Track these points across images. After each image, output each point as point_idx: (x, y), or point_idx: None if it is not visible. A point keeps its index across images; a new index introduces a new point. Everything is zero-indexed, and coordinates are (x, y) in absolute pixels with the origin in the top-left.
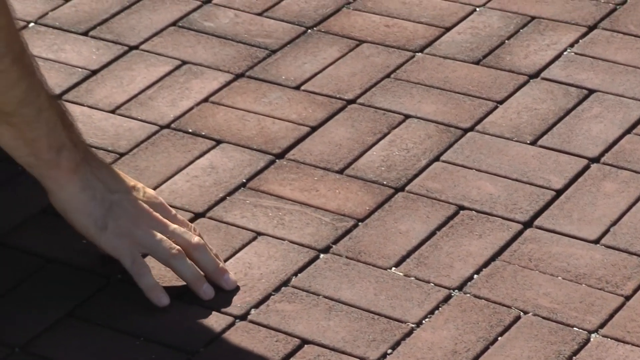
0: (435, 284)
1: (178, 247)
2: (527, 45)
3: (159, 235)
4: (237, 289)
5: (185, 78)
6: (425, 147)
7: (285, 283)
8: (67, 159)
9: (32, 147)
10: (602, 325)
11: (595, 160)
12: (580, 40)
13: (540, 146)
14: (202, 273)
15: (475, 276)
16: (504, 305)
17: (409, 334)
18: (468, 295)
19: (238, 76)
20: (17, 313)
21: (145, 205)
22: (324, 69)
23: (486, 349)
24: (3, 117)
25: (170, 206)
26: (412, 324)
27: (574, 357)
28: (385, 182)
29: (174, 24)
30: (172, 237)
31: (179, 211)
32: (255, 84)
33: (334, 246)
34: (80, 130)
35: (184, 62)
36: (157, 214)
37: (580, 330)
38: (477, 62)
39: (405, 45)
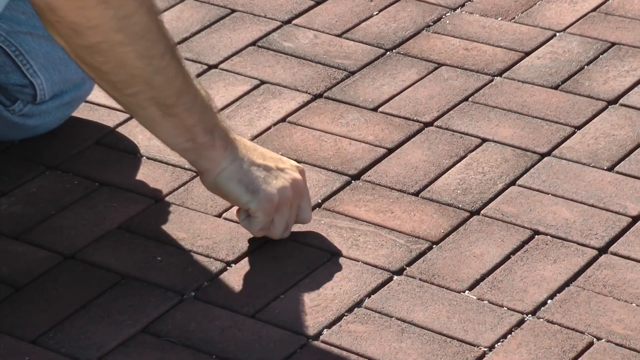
0: (509, 308)
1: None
2: (607, 71)
3: (284, 221)
4: (313, 309)
5: (263, 98)
6: (501, 171)
7: (359, 304)
8: (219, 138)
9: (191, 132)
10: None
11: None
12: None
13: (617, 172)
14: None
15: (549, 301)
16: (577, 330)
17: (481, 357)
18: (541, 320)
19: (316, 97)
20: (91, 328)
21: (289, 177)
22: (402, 91)
23: None
24: (166, 110)
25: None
26: (485, 347)
27: None
28: (460, 205)
29: (253, 43)
30: (289, 224)
31: None
32: (333, 104)
33: (407, 268)
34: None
35: (263, 82)
36: (297, 198)
37: None
38: (556, 87)
39: (484, 69)
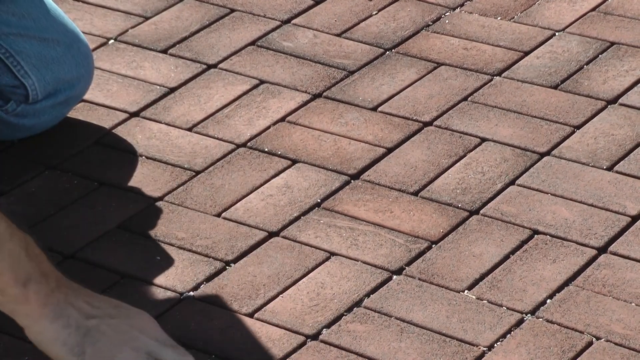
0: (508, 308)
1: None
2: (606, 70)
3: (143, 356)
4: (312, 308)
5: (262, 97)
6: (500, 171)
7: (358, 304)
8: (35, 292)
9: None
10: None
11: None
12: None
13: (617, 172)
14: None
15: (549, 301)
16: (576, 330)
17: (480, 357)
18: (541, 319)
19: (315, 96)
20: None
21: (128, 326)
22: (401, 90)
23: None
24: None
25: (244, 225)
26: (484, 347)
27: None
28: (460, 205)
29: (252, 43)
30: (157, 354)
31: (253, 230)
32: (333, 104)
33: (407, 268)
34: (51, 260)
35: (262, 82)
36: (143, 336)
37: None
38: (555, 87)
39: (483, 69)
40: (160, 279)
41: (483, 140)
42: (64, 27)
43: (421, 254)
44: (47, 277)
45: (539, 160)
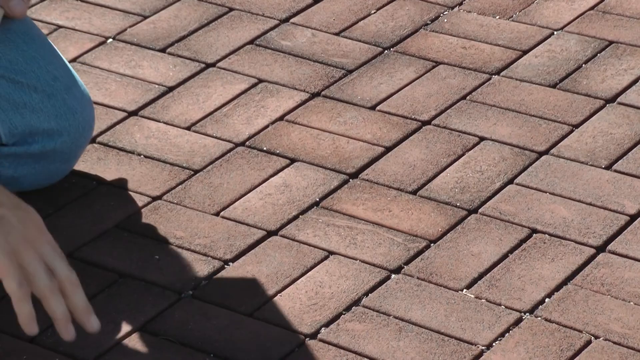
0: (507, 307)
1: (55, 280)
2: (604, 69)
3: (42, 263)
4: (310, 307)
5: (261, 96)
6: (499, 170)
7: (356, 302)
8: None
9: None
10: None
11: None
12: None
13: (615, 171)
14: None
15: (547, 300)
16: (575, 329)
17: (479, 356)
18: (539, 318)
19: (314, 95)
20: None
21: (33, 224)
22: (399, 89)
23: None
24: None
25: (243, 224)
26: (483, 346)
27: None
28: (458, 204)
29: (251, 42)
30: (52, 264)
31: (251, 229)
32: (331, 103)
33: (405, 267)
34: None
35: (261, 80)
36: (42, 237)
37: None
38: (554, 86)
39: (482, 68)
40: (158, 278)
41: (481, 139)
42: (50, 76)
43: (420, 253)
44: None
45: (537, 159)
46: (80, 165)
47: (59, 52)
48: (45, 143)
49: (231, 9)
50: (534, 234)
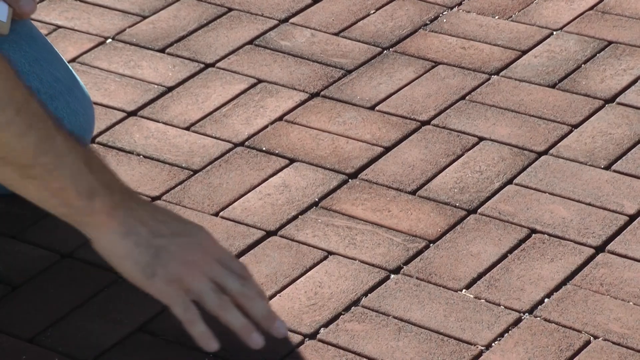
0: (506, 307)
1: (226, 296)
2: (604, 69)
3: (208, 282)
4: (310, 308)
5: (260, 96)
6: (498, 170)
7: (355, 303)
8: (101, 204)
9: (60, 196)
10: None
11: None
12: None
13: (614, 171)
14: (250, 322)
15: (546, 300)
16: (574, 329)
17: (478, 356)
18: (538, 318)
19: (313, 95)
20: (88, 327)
21: (195, 247)
22: (399, 89)
23: None
24: (23, 171)
25: (242, 224)
26: (482, 346)
27: None
28: (457, 204)
29: (250, 42)
30: (220, 282)
31: (251, 229)
32: (330, 103)
33: (404, 267)
34: (116, 173)
35: (260, 81)
36: (206, 257)
37: None
38: (553, 86)
39: (481, 68)
40: None
41: (481, 139)
42: (53, 77)
43: (419, 253)
44: (111, 189)
45: (536, 159)
46: None
47: (59, 53)
48: None
49: (230, 9)
50: (533, 234)
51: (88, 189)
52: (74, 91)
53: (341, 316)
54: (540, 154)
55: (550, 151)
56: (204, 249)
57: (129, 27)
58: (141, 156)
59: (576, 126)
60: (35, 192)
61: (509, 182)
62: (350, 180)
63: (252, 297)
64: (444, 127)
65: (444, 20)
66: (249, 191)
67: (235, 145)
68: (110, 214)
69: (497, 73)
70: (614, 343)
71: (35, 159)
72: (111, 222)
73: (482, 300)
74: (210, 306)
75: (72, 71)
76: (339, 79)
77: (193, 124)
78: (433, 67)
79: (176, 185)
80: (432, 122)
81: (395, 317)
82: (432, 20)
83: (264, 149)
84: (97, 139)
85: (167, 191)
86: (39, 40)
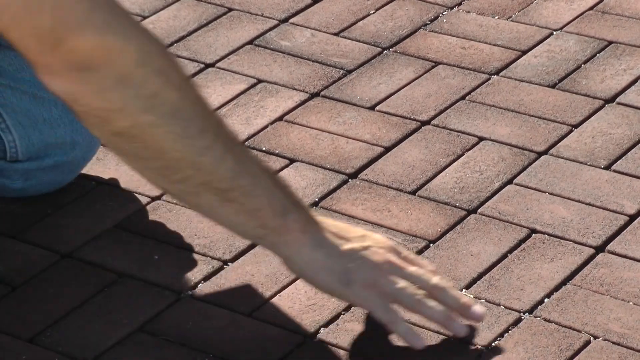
0: (506, 307)
1: (421, 291)
2: (604, 69)
3: (401, 282)
4: (310, 307)
5: (260, 96)
6: (498, 170)
7: None
8: (294, 221)
9: (257, 218)
10: None
11: None
12: None
13: (615, 171)
14: (449, 311)
15: (546, 300)
16: (574, 329)
17: (478, 356)
18: (538, 318)
19: (313, 95)
20: (88, 327)
21: (379, 252)
22: (399, 89)
23: None
24: (223, 195)
25: None
26: (482, 346)
27: None
28: (457, 204)
29: (250, 42)
30: (411, 280)
31: None
32: (330, 103)
33: None
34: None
35: (260, 81)
36: (394, 259)
37: None
38: (553, 86)
39: (481, 68)
40: (157, 278)
41: (481, 139)
42: None
43: (419, 253)
44: (299, 205)
45: (536, 159)
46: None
47: None
48: (58, 157)
49: (230, 9)
50: (533, 234)
51: (281, 207)
52: None
53: (341, 316)
54: (540, 154)
55: (550, 151)
56: (385, 250)
57: None
58: None
59: (576, 126)
60: (233, 216)
61: (509, 182)
62: (350, 180)
63: (444, 288)
64: (444, 127)
65: (444, 20)
66: None
67: None
68: (303, 230)
69: (497, 73)
70: (613, 343)
71: (233, 182)
72: (304, 238)
73: (482, 300)
74: (409, 304)
75: None
76: (339, 79)
77: None
78: (433, 67)
79: None
80: (432, 122)
81: None
82: (432, 20)
83: (264, 149)
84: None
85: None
86: None
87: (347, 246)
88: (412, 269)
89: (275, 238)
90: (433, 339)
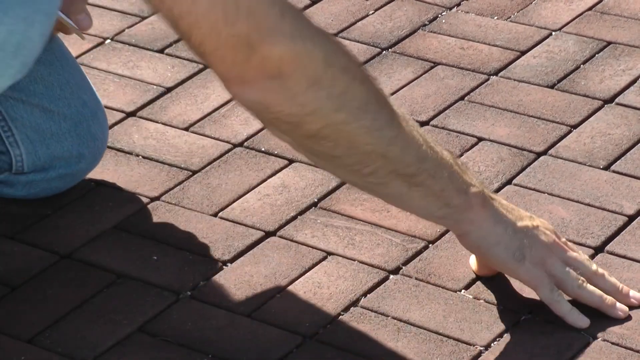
0: (505, 307)
1: (582, 277)
2: (602, 70)
3: (564, 265)
4: (309, 308)
5: None
6: (497, 170)
7: (355, 303)
8: (475, 197)
9: (443, 198)
10: None
11: None
12: None
13: (613, 171)
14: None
15: None
16: (574, 329)
17: (477, 357)
18: (538, 319)
19: None
20: (87, 327)
21: (547, 232)
22: (398, 90)
23: None
24: (410, 180)
25: (241, 224)
26: (481, 347)
27: None
28: None
29: None
30: (575, 264)
31: (250, 230)
32: None
33: (403, 267)
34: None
35: None
36: (559, 242)
37: None
38: (552, 86)
39: (480, 68)
40: (157, 279)
41: (480, 139)
42: (80, 102)
43: (418, 253)
44: (475, 182)
45: (535, 159)
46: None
47: (86, 75)
48: (63, 169)
49: None
50: None
51: (463, 185)
52: (98, 115)
53: (340, 316)
54: (539, 155)
55: (549, 151)
56: (551, 232)
57: (128, 27)
58: (140, 157)
59: (575, 126)
60: (420, 200)
61: (508, 182)
62: None
63: (602, 275)
64: (443, 128)
65: (443, 21)
66: (248, 192)
67: (234, 145)
68: (483, 205)
69: (496, 73)
70: (613, 343)
71: (418, 167)
72: (485, 213)
73: (481, 301)
74: (572, 288)
75: (96, 93)
76: None
77: (192, 125)
78: (432, 67)
79: (175, 186)
80: (431, 122)
81: (394, 318)
82: (431, 21)
83: (262, 149)
84: None
85: (166, 192)
86: (70, 61)
87: (521, 223)
88: (574, 254)
89: (459, 215)
90: (432, 339)
